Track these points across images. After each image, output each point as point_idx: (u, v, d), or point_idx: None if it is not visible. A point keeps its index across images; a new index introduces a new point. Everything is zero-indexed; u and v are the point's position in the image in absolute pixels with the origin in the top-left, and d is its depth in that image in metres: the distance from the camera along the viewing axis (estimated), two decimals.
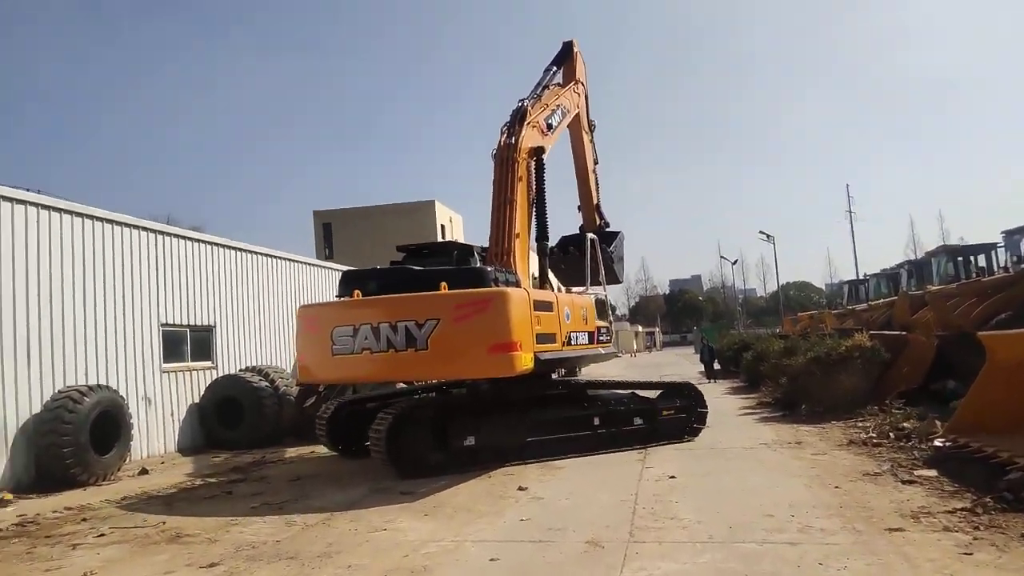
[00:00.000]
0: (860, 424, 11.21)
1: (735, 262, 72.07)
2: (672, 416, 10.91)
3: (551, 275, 11.54)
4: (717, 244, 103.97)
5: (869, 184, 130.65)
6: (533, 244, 11.07)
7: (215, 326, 14.04)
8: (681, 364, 36.51)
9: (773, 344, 16.83)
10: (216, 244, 14.52)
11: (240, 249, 15.21)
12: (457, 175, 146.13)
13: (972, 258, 21.77)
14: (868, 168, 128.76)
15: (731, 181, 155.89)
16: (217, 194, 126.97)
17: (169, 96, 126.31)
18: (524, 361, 8.61)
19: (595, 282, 11.69)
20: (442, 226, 49.10)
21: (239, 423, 12.77)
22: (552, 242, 11.48)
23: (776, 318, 56.91)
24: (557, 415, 10.13)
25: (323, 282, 18.39)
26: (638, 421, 10.60)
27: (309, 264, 18.05)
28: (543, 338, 9.20)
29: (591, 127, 13.98)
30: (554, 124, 11.82)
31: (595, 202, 13.71)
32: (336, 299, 9.94)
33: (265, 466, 10.78)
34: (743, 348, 21.62)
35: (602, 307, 12.09)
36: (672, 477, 8.05)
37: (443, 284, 8.89)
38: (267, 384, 13.15)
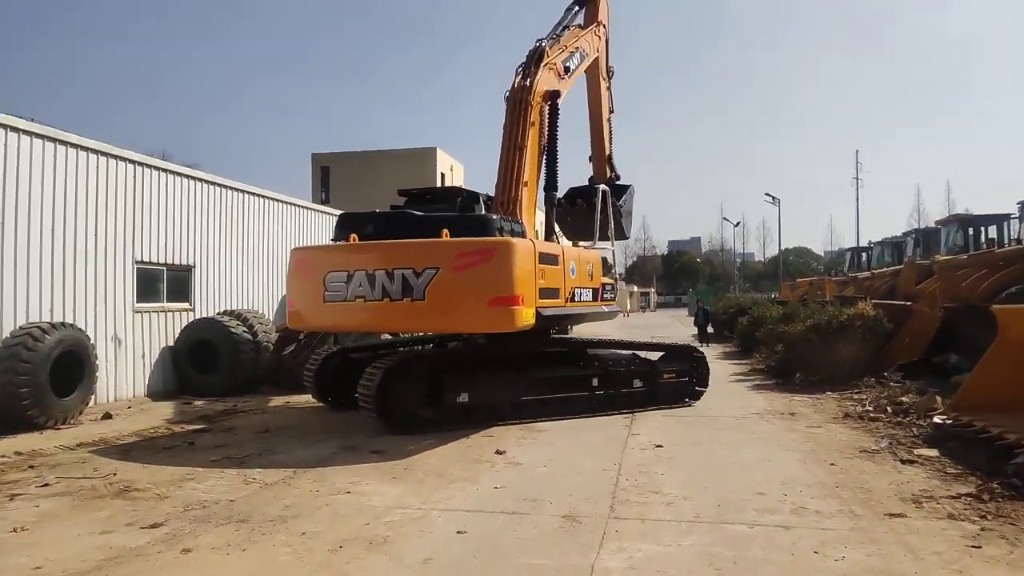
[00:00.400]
0: (856, 396, 10.80)
1: (737, 224, 71.49)
2: (673, 379, 10.56)
3: (557, 228, 11.08)
4: (720, 206, 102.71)
5: (878, 152, 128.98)
6: (541, 194, 10.56)
7: (195, 266, 13.47)
8: (673, 326, 36.16)
9: (771, 310, 16.35)
10: (201, 180, 13.83)
11: (227, 187, 14.53)
12: (460, 122, 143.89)
13: (983, 229, 21.16)
14: (878, 135, 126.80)
15: (737, 143, 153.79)
16: (216, 133, 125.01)
17: (168, 28, 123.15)
18: (525, 316, 8.18)
19: (603, 237, 11.30)
20: (442, 174, 48.23)
21: (214, 369, 12.31)
22: (559, 193, 10.96)
23: (774, 283, 56.57)
24: (555, 374, 9.74)
25: (314, 226, 17.76)
26: (638, 383, 10.25)
27: (300, 206, 17.36)
28: (546, 293, 8.77)
29: (609, 73, 13.31)
30: (572, 67, 11.20)
31: (607, 153, 13.12)
32: (331, 242, 9.42)
33: (236, 415, 10.35)
34: (739, 312, 21.15)
35: (607, 263, 11.62)
36: (659, 446, 7.62)
37: (444, 231, 8.40)
38: (245, 329, 12.65)
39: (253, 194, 15.30)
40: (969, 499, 5.39)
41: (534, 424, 9.00)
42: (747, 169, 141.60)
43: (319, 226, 18.05)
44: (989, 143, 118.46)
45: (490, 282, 8.04)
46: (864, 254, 31.76)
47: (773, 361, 13.86)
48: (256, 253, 15.36)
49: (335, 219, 18.68)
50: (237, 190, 14.77)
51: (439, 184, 43.80)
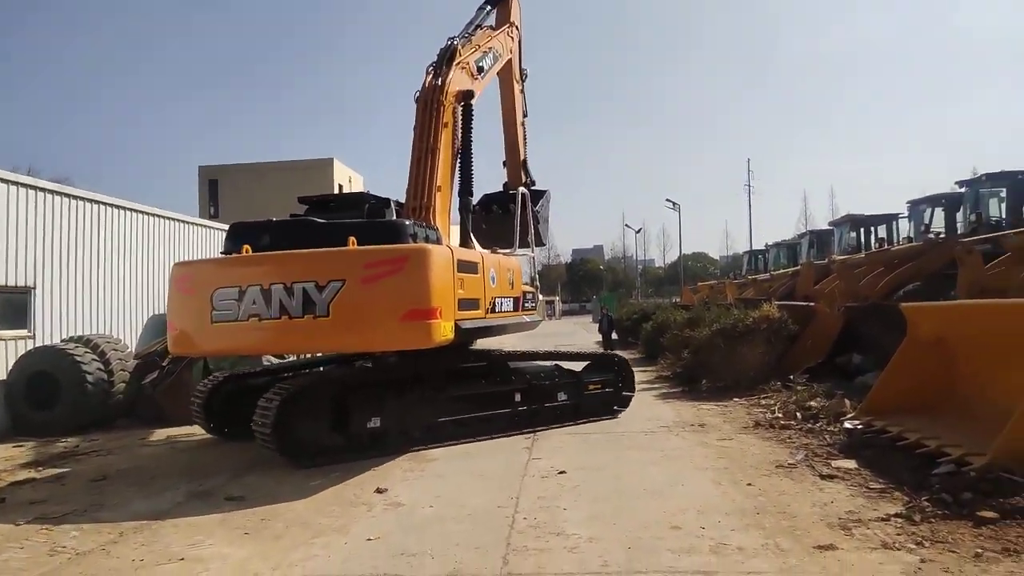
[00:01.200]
0: (764, 402, 10.42)
1: (639, 231, 72.93)
2: (599, 390, 9.98)
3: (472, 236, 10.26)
4: (622, 214, 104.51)
5: (767, 161, 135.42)
6: (455, 200, 9.89)
7: (35, 287, 11.67)
8: (578, 333, 35.88)
9: (675, 314, 16.03)
10: (43, 189, 11.98)
11: (76, 197, 12.71)
12: (358, 134, 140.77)
13: (874, 228, 21.81)
14: (765, 145, 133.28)
15: (638, 154, 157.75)
16: (95, 148, 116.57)
17: (39, 36, 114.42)
18: (444, 330, 7.41)
19: (523, 243, 10.70)
20: (340, 185, 46.39)
21: (54, 404, 10.62)
22: (474, 200, 10.26)
23: (674, 288, 57.79)
24: (475, 391, 8.92)
25: (188, 240, 16.10)
26: (562, 396, 9.61)
27: (169, 219, 15.60)
28: (465, 304, 8.01)
29: (523, 76, 12.73)
30: (485, 67, 10.62)
31: (522, 158, 12.46)
32: (219, 255, 8.33)
33: (73, 459, 8.82)
34: (643, 318, 20.88)
35: (529, 270, 11.22)
36: (561, 472, 6.79)
37: (351, 239, 7.45)
38: (95, 357, 11.02)
39: (111, 205, 13.52)
40: (900, 520, 4.82)
41: (425, 452, 8.02)
42: (647, 178, 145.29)
43: (194, 240, 16.40)
44: (864, 151, 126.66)
45: (404, 294, 7.23)
46: (761, 256, 32.56)
47: (679, 367, 13.42)
48: (116, 272, 13.60)
49: (213, 232, 17.62)
50: (90, 201, 12.98)
51: None
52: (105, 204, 13.36)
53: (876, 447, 6.82)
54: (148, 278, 14.59)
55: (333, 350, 9.35)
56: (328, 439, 7.78)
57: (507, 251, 10.45)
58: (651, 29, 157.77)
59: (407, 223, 8.08)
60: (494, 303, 9.02)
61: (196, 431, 10.47)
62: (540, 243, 12.30)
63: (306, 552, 4.88)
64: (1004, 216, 15.92)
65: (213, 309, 7.57)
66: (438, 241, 8.52)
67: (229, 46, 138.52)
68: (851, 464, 6.45)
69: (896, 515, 4.93)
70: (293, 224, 8.44)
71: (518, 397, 9.20)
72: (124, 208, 13.92)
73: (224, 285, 7.58)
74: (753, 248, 40.59)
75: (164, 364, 11.78)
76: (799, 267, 19.40)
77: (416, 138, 9.37)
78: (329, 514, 5.79)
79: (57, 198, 12.20)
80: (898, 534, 4.59)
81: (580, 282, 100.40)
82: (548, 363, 10.14)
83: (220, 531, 5.44)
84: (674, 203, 53.26)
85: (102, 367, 11.04)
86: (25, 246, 11.42)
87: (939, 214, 18.93)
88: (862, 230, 22.10)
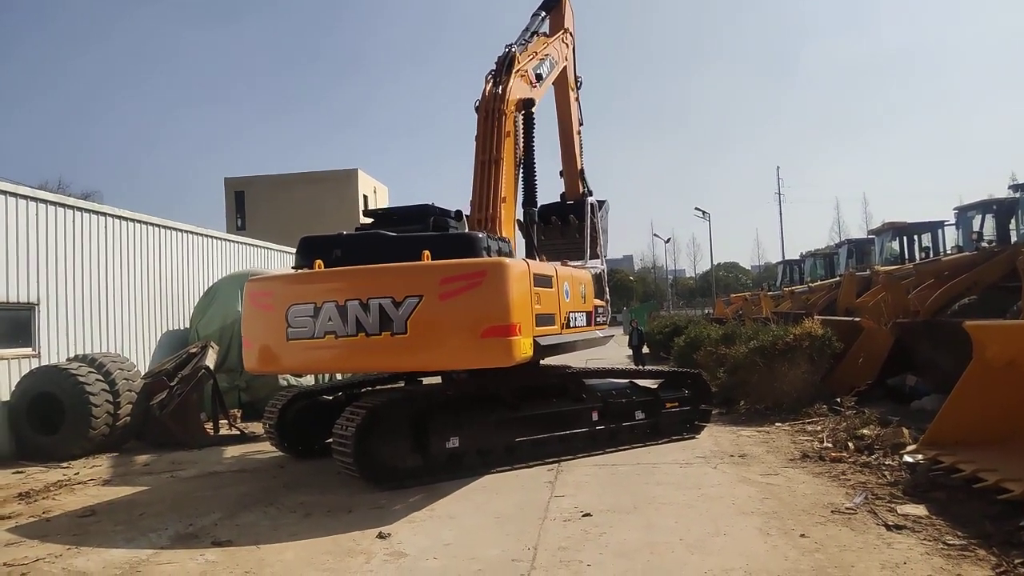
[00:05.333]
0: (809, 428, 9.57)
1: (668, 240, 71.67)
2: (676, 408, 9.66)
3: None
4: (650, 223, 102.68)
5: (797, 169, 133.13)
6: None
7: (39, 303, 11.27)
8: (609, 347, 34.94)
9: (709, 330, 15.15)
10: (46, 201, 11.63)
11: (84, 210, 12.38)
12: (383, 145, 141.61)
13: (917, 237, 20.67)
14: (795, 152, 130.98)
15: (667, 162, 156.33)
16: (122, 162, 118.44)
17: (63, 45, 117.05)
18: (523, 347, 7.08)
19: (593, 254, 10.51)
20: (364, 196, 46.22)
21: (58, 427, 10.16)
22: None
23: (706, 299, 56.52)
24: (551, 410, 8.61)
25: (205, 253, 15.73)
26: (640, 415, 9.28)
27: (184, 231, 15.19)
28: (542, 319, 7.66)
29: (578, 84, 12.39)
30: (543, 75, 10.44)
31: (579, 167, 12.05)
32: (292, 270, 8.13)
33: (69, 488, 8.30)
34: (674, 332, 20.01)
35: (599, 283, 10.65)
36: (586, 515, 6.04)
37: (425, 253, 7.17)
38: (99, 378, 10.55)
39: (118, 217, 13.13)
40: None
41: (440, 487, 7.35)
42: (677, 187, 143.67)
43: (211, 253, 16.02)
44: (898, 159, 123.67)
45: (483, 310, 6.93)
46: (796, 267, 31.37)
47: (715, 387, 12.57)
48: (126, 287, 13.19)
49: (229, 244, 17.23)
50: (97, 213, 12.61)
51: (362, 207, 41.89)
52: (112, 216, 12.96)
53: (947, 488, 5.98)
54: (161, 293, 14.17)
55: (412, 368, 9.02)
56: (407, 459, 7.62)
57: (577, 263, 10.03)
58: (676, 34, 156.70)
59: (480, 236, 7.79)
60: (568, 318, 8.67)
61: (200, 457, 9.99)
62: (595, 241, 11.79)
63: None
64: None
65: (288, 326, 7.40)
66: (511, 254, 8.25)
67: (249, 59, 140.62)
68: (920, 510, 5.61)
69: None
70: (364, 238, 8.23)
71: (595, 416, 8.91)
72: (133, 220, 13.51)
73: (299, 301, 7.41)
74: (787, 258, 39.27)
75: (172, 384, 11.30)
76: (839, 278, 18.40)
77: (478, 148, 9.17)
78: (321, 566, 5.12)
79: (61, 210, 11.81)
80: None
81: (610, 293, 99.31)
82: (623, 380, 9.87)
83: None
84: (704, 212, 52.14)
85: (107, 388, 10.55)
86: (28, 260, 11.02)
87: (989, 221, 17.81)
88: (905, 239, 20.95)
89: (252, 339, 7.96)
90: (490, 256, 7.54)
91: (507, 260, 7.41)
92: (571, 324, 8.74)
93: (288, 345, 7.45)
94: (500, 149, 9.05)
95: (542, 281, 7.91)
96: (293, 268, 8.26)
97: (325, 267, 7.60)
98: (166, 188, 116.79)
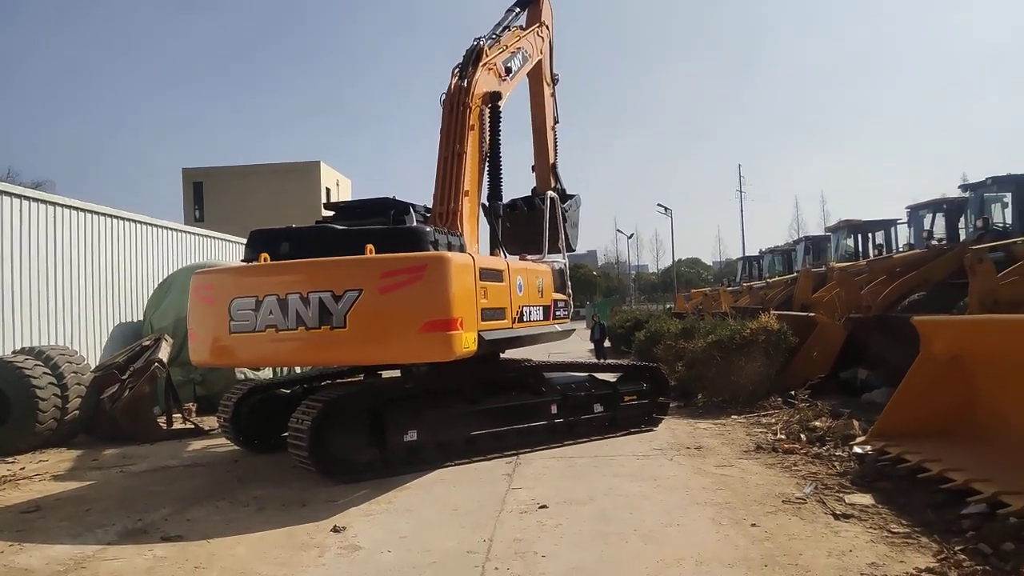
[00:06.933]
0: (764, 420, 9.75)
1: (631, 236, 72.33)
2: (635, 401, 9.74)
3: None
4: (614, 219, 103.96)
5: (757, 167, 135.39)
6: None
7: None
8: (571, 341, 35.12)
9: (669, 324, 15.33)
10: None
11: (27, 198, 11.95)
12: (344, 136, 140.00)
13: (871, 235, 21.16)
14: (758, 149, 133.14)
15: (630, 158, 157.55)
16: (75, 151, 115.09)
17: (21, 34, 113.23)
18: (465, 342, 7.08)
19: (553, 249, 10.40)
20: (327, 189, 45.74)
21: (3, 421, 9.82)
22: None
23: (668, 294, 57.17)
24: (508, 403, 8.63)
25: (157, 244, 15.35)
26: (599, 408, 9.34)
27: (132, 221, 14.76)
28: (490, 313, 7.67)
29: (554, 80, 12.29)
30: (513, 69, 10.31)
31: (551, 162, 11.96)
32: (237, 264, 8.15)
33: (15, 483, 8.04)
34: (635, 326, 20.18)
35: (561, 277, 10.60)
36: (542, 507, 6.06)
37: (369, 247, 7.11)
38: (47, 371, 10.23)
39: (66, 207, 12.72)
40: None
41: (398, 479, 7.30)
42: (640, 184, 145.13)
43: (163, 244, 15.64)
44: (853, 158, 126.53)
45: (422, 304, 6.90)
46: (756, 263, 31.89)
47: (673, 381, 12.72)
48: (77, 279, 12.81)
49: (182, 236, 16.85)
50: (43, 202, 12.21)
51: (324, 200, 41.34)
52: (60, 205, 12.56)
53: (893, 479, 6.14)
54: (112, 285, 13.80)
55: (351, 362, 9.06)
56: (364, 453, 7.55)
57: (536, 257, 10.05)
58: (640, 30, 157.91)
59: (428, 229, 7.73)
60: (521, 312, 8.65)
61: (152, 451, 9.77)
62: (570, 248, 11.87)
63: None
64: (1010, 222, 15.31)
65: (231, 319, 7.35)
66: (462, 248, 8.19)
67: (210, 44, 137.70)
68: (867, 499, 5.75)
69: (928, 570, 4.23)
70: (311, 231, 8.14)
71: (554, 409, 8.95)
72: (83, 210, 13.11)
73: (242, 295, 7.36)
74: (747, 254, 39.90)
75: (124, 378, 11.02)
76: (796, 274, 18.76)
77: (442, 142, 9.05)
78: (273, 560, 5.05)
79: (7, 199, 11.41)
80: None
81: (574, 288, 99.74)
82: (582, 374, 9.92)
83: None
84: (665, 208, 52.80)
85: (54, 381, 10.22)
86: None
87: (940, 220, 18.34)
88: (859, 236, 21.45)
89: (197, 331, 7.90)
90: (437, 250, 7.48)
91: (449, 254, 7.34)
92: (525, 318, 8.74)
93: (231, 338, 7.41)
94: (464, 142, 8.97)
95: (490, 275, 7.90)
96: (242, 261, 8.15)
97: (272, 261, 7.54)
98: (124, 179, 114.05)
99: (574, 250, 12.83)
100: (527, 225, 10.74)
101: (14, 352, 10.75)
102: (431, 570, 4.71)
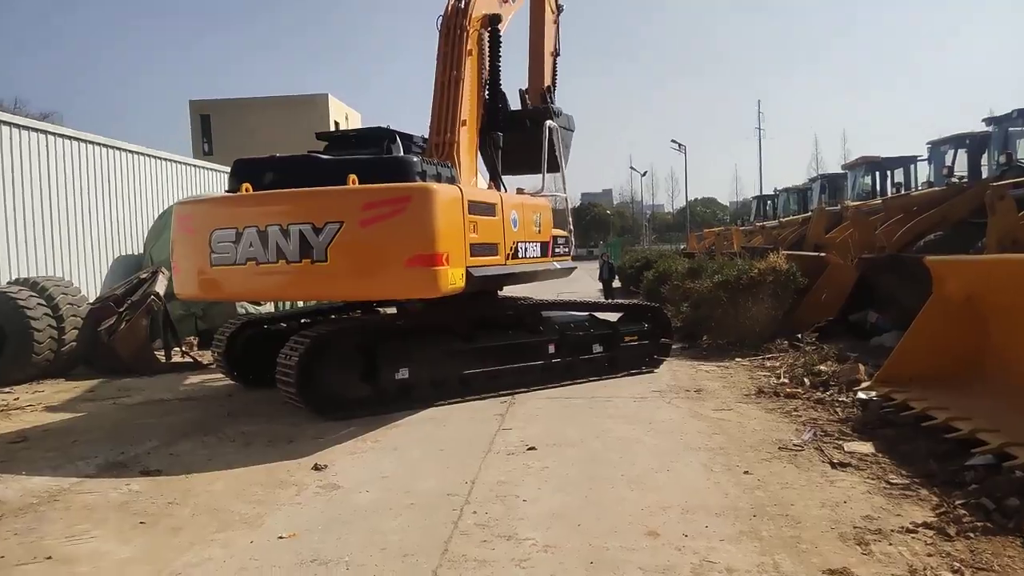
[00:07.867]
0: (768, 363, 9.49)
1: (644, 174, 71.13)
2: (635, 342, 9.45)
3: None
4: (629, 157, 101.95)
5: (776, 102, 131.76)
6: None
7: None
8: (581, 279, 34.77)
9: (676, 264, 14.97)
10: None
11: (22, 127, 11.67)
12: (354, 68, 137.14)
13: (890, 172, 20.40)
14: (776, 84, 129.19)
15: (644, 93, 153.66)
16: (84, 81, 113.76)
17: None
18: (451, 278, 6.84)
19: (551, 170, 9.86)
20: (336, 123, 44.87)
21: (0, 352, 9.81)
22: None
23: (681, 234, 56.46)
24: (505, 342, 8.38)
25: (158, 175, 15.08)
26: (598, 348, 9.07)
27: (131, 151, 14.44)
28: (480, 249, 7.40)
29: (558, 7, 11.57)
30: None
31: (546, 84, 11.26)
32: (219, 194, 7.92)
33: (6, 413, 8.02)
34: (645, 266, 19.83)
35: (561, 213, 10.30)
36: (531, 449, 5.90)
37: (352, 177, 6.81)
38: (41, 302, 10.13)
39: (61, 136, 12.42)
40: (930, 533, 3.90)
41: (391, 416, 7.17)
42: (655, 122, 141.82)
43: (163, 175, 15.37)
44: (874, 92, 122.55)
45: (406, 238, 6.65)
46: (770, 202, 31.16)
47: (679, 322, 12.47)
48: (73, 209, 12.60)
49: (183, 167, 16.52)
50: (38, 131, 11.90)
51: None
52: (55, 135, 12.29)
53: (897, 426, 5.89)
54: (112, 216, 13.60)
55: (334, 297, 8.88)
56: (355, 390, 7.39)
57: (534, 191, 9.68)
58: None
59: (415, 159, 7.39)
60: (516, 248, 8.35)
61: (149, 384, 9.72)
62: (555, 169, 11.06)
63: (199, 553, 4.01)
64: None
65: (212, 251, 7.13)
66: (452, 179, 7.84)
67: None
68: (867, 448, 5.52)
69: (925, 524, 4.00)
70: (295, 161, 7.82)
71: (552, 349, 8.70)
72: (78, 139, 12.81)
73: (222, 226, 7.11)
74: (762, 193, 39.00)
75: (120, 310, 10.91)
76: (810, 214, 18.22)
77: (438, 68, 8.60)
78: (249, 498, 4.93)
79: (7, 128, 11.14)
80: (928, 554, 3.66)
81: (588, 227, 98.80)
82: (582, 313, 9.67)
83: (114, 518, 4.59)
84: (680, 144, 51.50)
85: (50, 313, 10.15)
86: None
87: (962, 156, 17.57)
88: (878, 174, 20.65)
89: (179, 263, 7.73)
90: (423, 181, 7.14)
91: (434, 185, 7.01)
92: (520, 255, 8.46)
93: (212, 271, 7.21)
94: (461, 69, 8.51)
95: (481, 209, 7.59)
96: (226, 192, 7.86)
97: (254, 191, 7.25)
98: (126, 112, 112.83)
99: (559, 171, 12.31)
100: (520, 143, 9.92)
101: (8, 283, 10.64)
102: (407, 512, 4.56)
